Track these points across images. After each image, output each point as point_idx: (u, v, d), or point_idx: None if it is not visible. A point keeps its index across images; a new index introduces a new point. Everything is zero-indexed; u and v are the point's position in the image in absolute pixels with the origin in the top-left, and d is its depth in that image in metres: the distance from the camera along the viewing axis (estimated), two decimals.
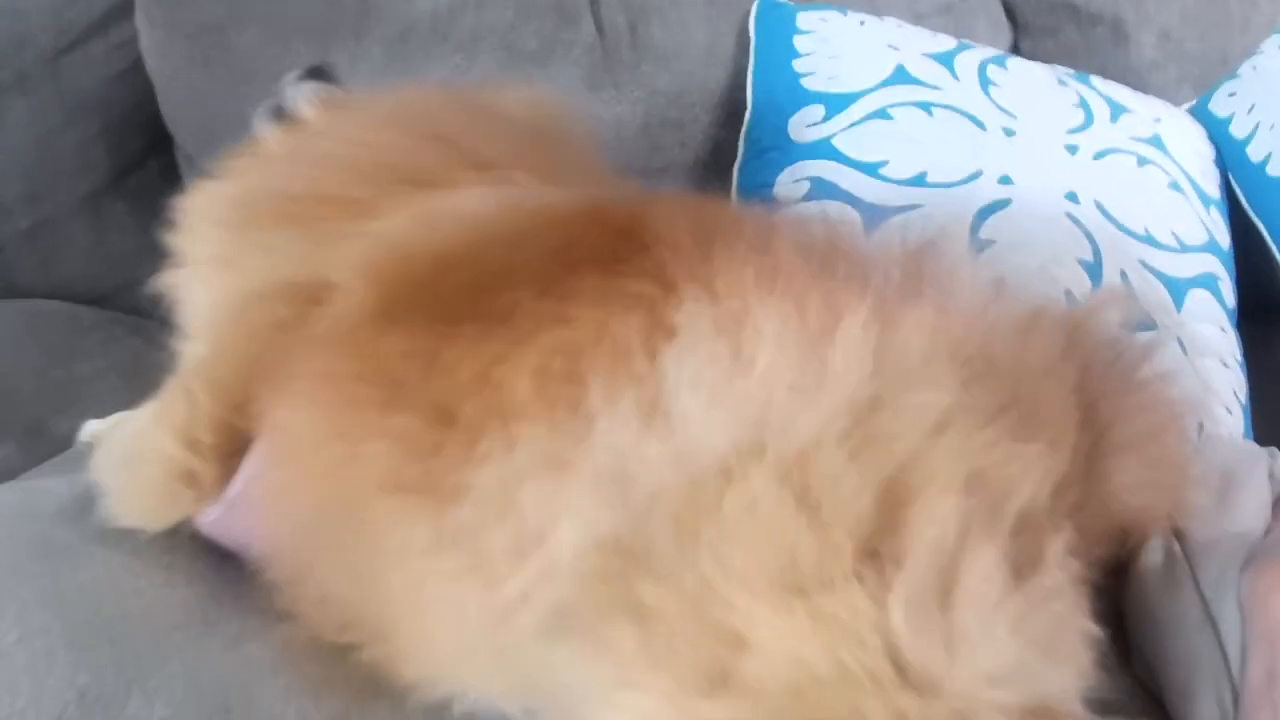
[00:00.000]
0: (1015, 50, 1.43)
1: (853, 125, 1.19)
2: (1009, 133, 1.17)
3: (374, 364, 0.70)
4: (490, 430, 0.63)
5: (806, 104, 1.23)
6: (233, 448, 0.79)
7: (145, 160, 1.50)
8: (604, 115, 1.35)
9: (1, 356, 1.33)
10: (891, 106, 1.19)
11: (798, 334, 0.62)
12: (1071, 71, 1.28)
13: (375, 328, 0.72)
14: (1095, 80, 1.27)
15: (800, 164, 1.19)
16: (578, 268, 0.70)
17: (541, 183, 0.85)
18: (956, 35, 1.34)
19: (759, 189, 1.22)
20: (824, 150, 1.19)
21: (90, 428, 1.07)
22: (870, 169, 1.15)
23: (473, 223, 0.78)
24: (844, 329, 0.61)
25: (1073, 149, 1.17)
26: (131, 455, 0.82)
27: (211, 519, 0.78)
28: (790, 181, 1.18)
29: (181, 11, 1.38)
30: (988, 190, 1.12)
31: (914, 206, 1.11)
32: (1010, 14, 1.43)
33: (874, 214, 1.11)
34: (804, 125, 1.22)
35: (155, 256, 1.52)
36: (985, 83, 1.22)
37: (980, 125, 1.17)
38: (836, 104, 1.21)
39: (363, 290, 0.74)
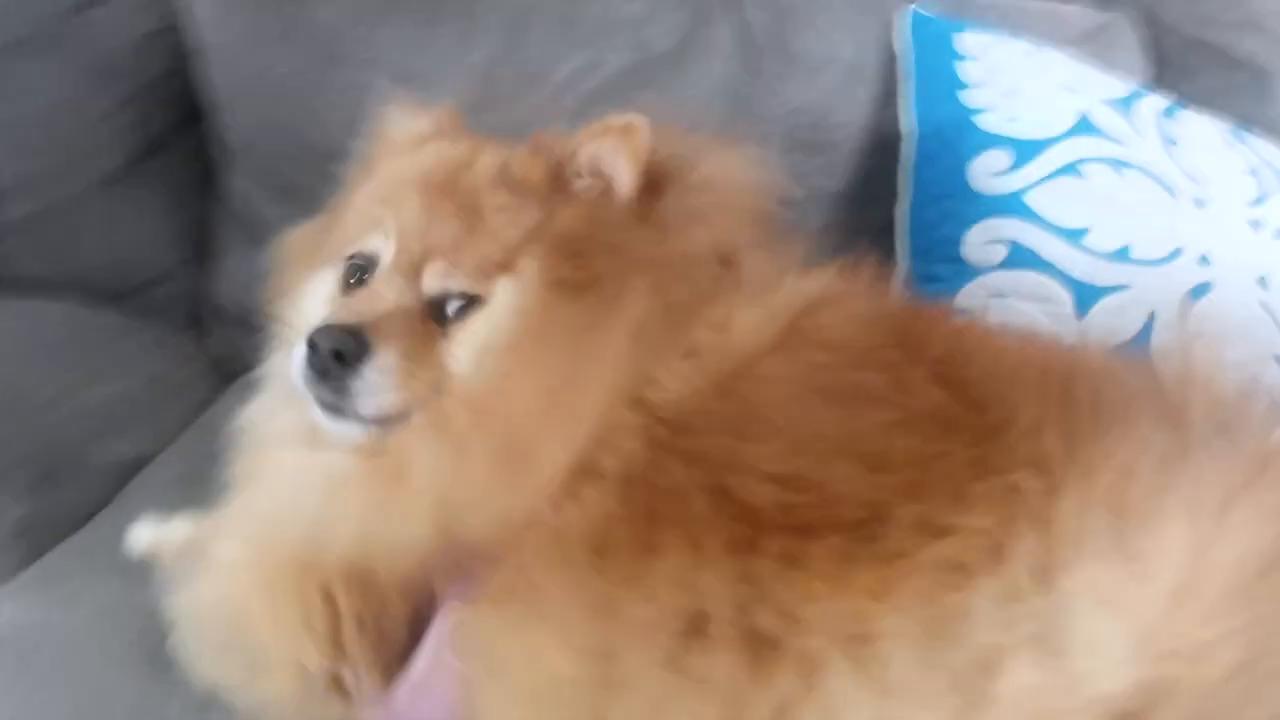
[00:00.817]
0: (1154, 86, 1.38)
1: (1044, 180, 1.12)
2: (1200, 204, 1.12)
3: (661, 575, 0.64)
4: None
5: (987, 147, 1.14)
6: (379, 639, 0.72)
7: (171, 140, 1.27)
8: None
9: (10, 372, 1.11)
10: (1082, 163, 1.12)
11: (1193, 536, 0.58)
12: (1228, 126, 1.24)
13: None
14: (1252, 140, 1.24)
15: (990, 221, 1.11)
16: (939, 455, 0.64)
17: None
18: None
19: (940, 243, 1.14)
20: (1016, 207, 1.11)
21: (142, 535, 0.92)
22: (1072, 237, 1.08)
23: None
24: (1240, 530, 0.58)
25: (1256, 224, 1.14)
26: (256, 664, 0.73)
27: (385, 713, 0.71)
28: (982, 241, 1.10)
29: None
30: (1189, 271, 1.08)
31: (1122, 287, 1.06)
32: (1150, 48, 1.38)
33: (1085, 294, 1.07)
34: (988, 173, 1.13)
35: (180, 250, 1.31)
36: (1167, 141, 1.16)
37: (1171, 192, 1.12)
38: (1024, 152, 1.13)
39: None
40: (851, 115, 1.25)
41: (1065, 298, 1.06)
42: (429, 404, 0.72)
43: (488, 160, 0.81)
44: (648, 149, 0.77)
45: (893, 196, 1.22)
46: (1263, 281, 1.11)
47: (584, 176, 0.78)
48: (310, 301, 0.83)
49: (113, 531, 0.94)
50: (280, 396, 0.83)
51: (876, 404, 0.67)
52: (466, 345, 0.74)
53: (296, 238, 0.92)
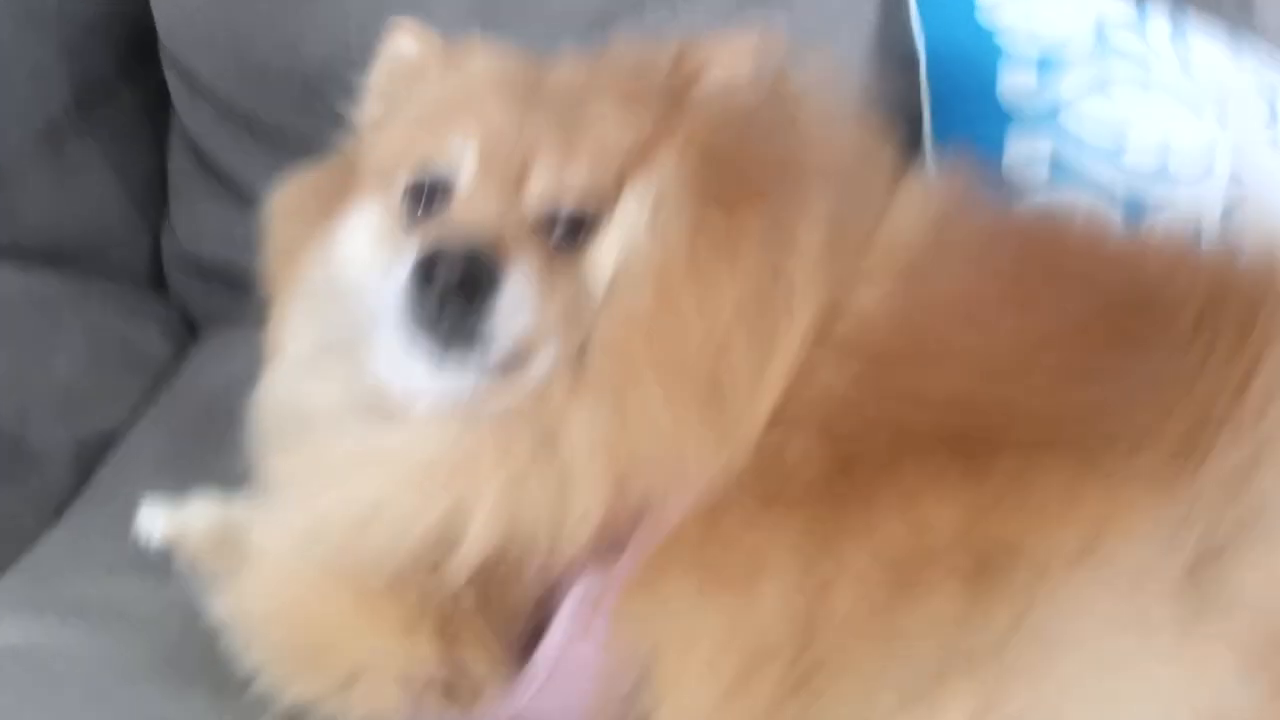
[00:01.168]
0: None
1: (1076, 99, 1.08)
2: (1223, 124, 1.12)
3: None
4: None
5: (1011, 64, 1.10)
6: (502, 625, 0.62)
7: (116, 86, 1.10)
8: None
9: None
10: (1109, 84, 1.09)
11: None
12: (1227, 45, 1.24)
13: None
14: (1248, 61, 1.24)
15: (1028, 139, 1.07)
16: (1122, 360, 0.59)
17: None
18: None
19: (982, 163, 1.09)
20: (1052, 127, 1.07)
21: (156, 521, 0.75)
22: (1110, 157, 1.06)
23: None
24: None
25: (1275, 144, 1.14)
26: (346, 674, 0.62)
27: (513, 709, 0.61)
28: (1024, 159, 1.06)
29: None
30: (1221, 190, 1.07)
31: (1164, 207, 1.04)
32: None
33: (1132, 213, 1.03)
34: (1016, 90, 1.09)
35: (135, 202, 1.12)
36: (1185, 63, 1.14)
37: (1197, 114, 1.11)
38: (1048, 70, 1.09)
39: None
40: (856, 34, 1.17)
41: (1114, 217, 1.02)
42: (567, 342, 0.60)
43: (569, 69, 0.70)
44: (781, 61, 0.68)
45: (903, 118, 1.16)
46: None
47: (706, 87, 0.67)
48: (353, 247, 0.69)
49: (96, 523, 0.78)
50: (312, 365, 0.68)
51: (1049, 311, 0.61)
52: (606, 266, 0.62)
53: (297, 185, 0.77)
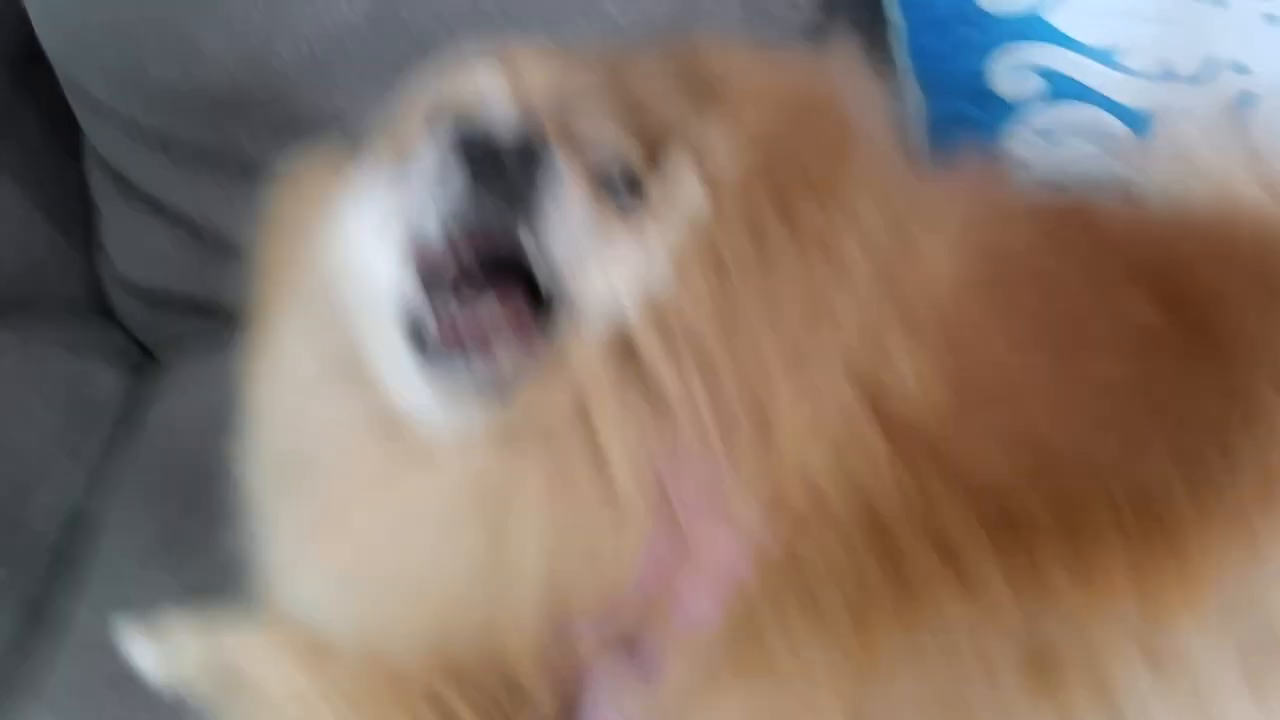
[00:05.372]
0: None
1: None
2: (1218, 2, 1.04)
3: None
4: None
5: None
6: None
7: (19, 107, 0.98)
8: None
9: None
10: None
11: None
12: None
13: None
14: None
15: (1014, 47, 0.97)
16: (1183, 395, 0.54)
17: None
18: None
19: (960, 77, 1.00)
20: (1040, 29, 0.97)
21: (148, 659, 0.66)
22: (1105, 58, 0.96)
23: None
24: None
25: (1271, 19, 1.07)
26: None
27: None
28: (1011, 72, 0.98)
29: None
30: (1228, 82, 0.98)
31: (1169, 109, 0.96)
32: None
33: (1137, 122, 0.96)
34: None
35: (59, 233, 1.03)
36: None
37: None
38: None
39: None
40: None
41: (1118, 129, 0.95)
42: (611, 309, 0.51)
43: (601, 49, 0.62)
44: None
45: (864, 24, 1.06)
46: None
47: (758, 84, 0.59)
48: (358, 230, 0.57)
49: (94, 636, 0.72)
50: (314, 393, 0.58)
51: (1102, 346, 0.56)
52: (663, 243, 0.53)
53: (310, 169, 0.67)
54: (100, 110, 0.95)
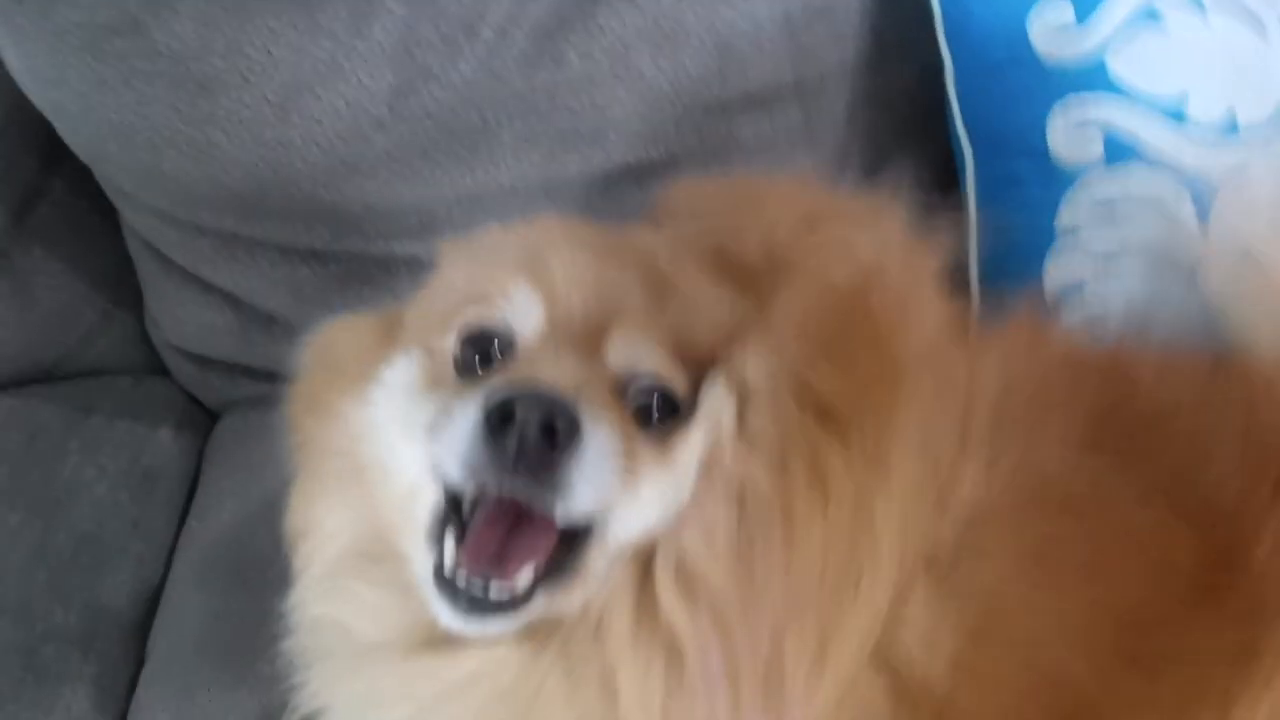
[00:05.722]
0: None
1: (1120, 34, 0.93)
2: None
3: None
4: None
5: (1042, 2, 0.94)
6: None
7: (50, 183, 0.99)
8: (739, 22, 0.97)
9: None
10: (1155, 11, 0.93)
11: None
12: None
13: None
14: None
15: (1072, 101, 0.93)
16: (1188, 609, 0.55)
17: None
18: None
19: (1015, 130, 0.96)
20: (1099, 78, 0.93)
21: None
22: (1170, 110, 0.92)
23: None
24: None
25: None
26: None
27: None
28: (1072, 134, 0.92)
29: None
30: None
31: (1239, 168, 0.90)
32: None
33: (1200, 190, 0.89)
34: (1053, 32, 0.94)
35: (105, 296, 1.05)
36: None
37: (1260, 30, 0.96)
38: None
39: None
40: None
41: (1181, 196, 0.90)
42: (637, 535, 0.54)
43: (648, 233, 0.62)
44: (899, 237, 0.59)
45: (912, 60, 1.02)
46: None
47: (816, 259, 0.58)
48: (388, 408, 0.60)
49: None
50: (347, 579, 0.61)
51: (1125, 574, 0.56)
52: (689, 465, 0.54)
53: (343, 334, 0.69)
54: (130, 198, 0.96)
